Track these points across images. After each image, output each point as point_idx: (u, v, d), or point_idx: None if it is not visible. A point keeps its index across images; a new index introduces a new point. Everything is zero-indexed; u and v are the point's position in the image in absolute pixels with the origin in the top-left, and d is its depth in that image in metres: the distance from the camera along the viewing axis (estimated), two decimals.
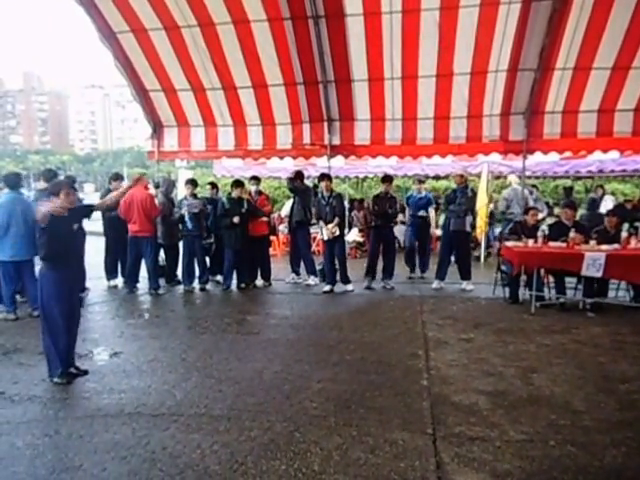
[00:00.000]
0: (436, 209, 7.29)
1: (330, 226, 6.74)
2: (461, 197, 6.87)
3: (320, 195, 7.01)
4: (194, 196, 7.03)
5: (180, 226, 7.00)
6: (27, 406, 3.31)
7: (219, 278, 7.40)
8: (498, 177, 9.96)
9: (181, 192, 8.71)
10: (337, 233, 6.80)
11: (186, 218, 6.84)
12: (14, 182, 5.55)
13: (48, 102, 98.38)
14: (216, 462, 2.60)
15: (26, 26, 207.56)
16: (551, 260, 5.74)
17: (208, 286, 7.14)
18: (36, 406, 3.31)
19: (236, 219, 6.76)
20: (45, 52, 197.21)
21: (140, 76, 7.38)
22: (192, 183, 7.13)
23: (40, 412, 3.22)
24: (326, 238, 6.83)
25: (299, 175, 7.34)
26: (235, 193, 6.97)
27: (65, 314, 3.66)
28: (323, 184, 6.92)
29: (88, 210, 4.12)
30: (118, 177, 7.47)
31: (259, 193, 7.36)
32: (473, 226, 8.18)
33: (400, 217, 7.53)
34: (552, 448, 2.75)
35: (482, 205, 8.99)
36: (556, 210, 10.16)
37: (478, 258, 9.37)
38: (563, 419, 3.09)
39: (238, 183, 7.19)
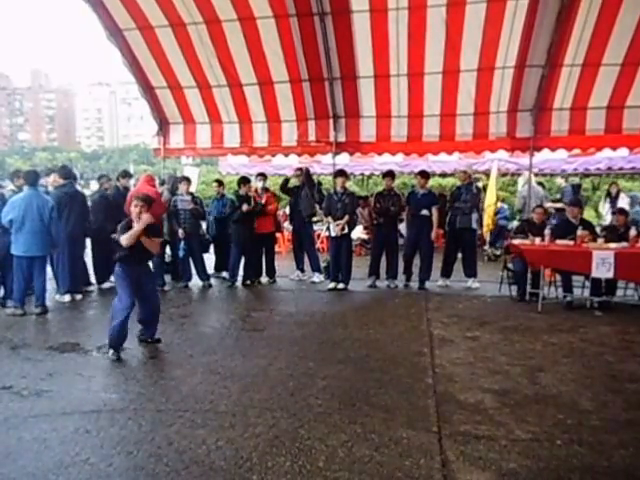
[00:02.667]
0: (440, 208, 6.92)
1: (340, 222, 6.70)
2: (466, 194, 6.83)
3: (333, 191, 6.97)
4: (191, 195, 7.03)
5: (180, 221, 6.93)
6: (34, 400, 3.33)
7: (225, 274, 7.42)
8: (505, 174, 9.90)
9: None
10: (346, 231, 6.78)
11: (182, 216, 6.82)
12: (33, 179, 5.62)
13: (55, 99, 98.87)
14: (221, 458, 2.61)
15: (34, 24, 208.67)
16: (559, 258, 5.69)
17: (213, 282, 7.15)
18: (43, 400, 3.33)
19: (245, 207, 6.80)
20: (52, 50, 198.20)
21: (146, 73, 7.40)
22: (187, 180, 7.15)
23: (47, 406, 3.24)
24: (334, 235, 6.80)
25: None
26: (243, 190, 7.01)
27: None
28: (339, 180, 6.85)
29: None
30: (127, 175, 7.52)
31: (265, 190, 7.37)
32: (480, 224, 8.10)
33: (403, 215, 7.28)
34: (559, 447, 2.73)
35: (490, 203, 8.93)
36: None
37: (490, 257, 9.23)
38: (570, 418, 3.06)
39: (245, 180, 7.22)
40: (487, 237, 9.45)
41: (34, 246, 5.41)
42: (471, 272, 6.93)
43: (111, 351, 4.10)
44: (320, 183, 8.69)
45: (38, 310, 5.49)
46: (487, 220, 9.06)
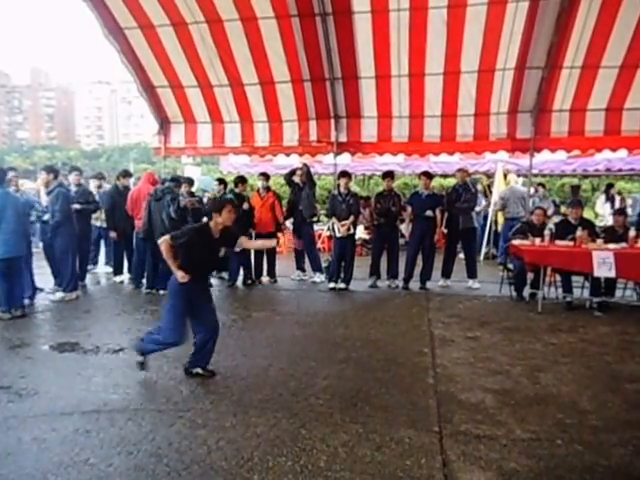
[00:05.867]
0: (442, 210, 6.91)
1: (346, 223, 6.70)
2: (465, 194, 6.85)
3: (337, 192, 6.99)
4: (191, 194, 7.03)
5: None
6: (34, 400, 3.32)
7: (224, 275, 7.42)
8: (505, 175, 9.95)
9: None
10: (351, 231, 6.79)
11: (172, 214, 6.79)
12: (1, 178, 5.41)
13: (55, 98, 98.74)
14: (222, 458, 2.61)
15: (34, 22, 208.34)
16: (559, 259, 5.71)
17: (213, 282, 7.15)
18: (42, 401, 3.32)
19: (245, 205, 6.82)
20: (52, 48, 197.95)
21: (147, 72, 7.40)
22: (189, 181, 7.17)
23: (47, 406, 3.23)
24: (339, 235, 6.81)
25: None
26: (239, 189, 7.03)
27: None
28: (343, 181, 6.86)
29: (236, 239, 3.77)
30: (127, 174, 7.52)
31: (267, 189, 7.38)
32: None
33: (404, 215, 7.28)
34: (559, 447, 2.74)
35: (498, 210, 9.04)
36: (563, 209, 10.11)
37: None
38: (570, 418, 3.07)
39: (242, 179, 7.23)
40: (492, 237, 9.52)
41: (14, 246, 5.24)
42: (472, 273, 6.94)
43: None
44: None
45: (19, 313, 5.30)
46: (497, 219, 9.14)
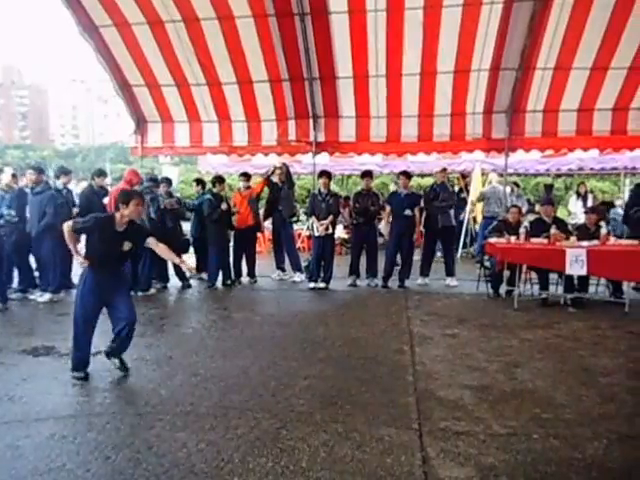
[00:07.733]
0: (421, 209, 6.97)
1: (324, 222, 6.71)
2: (444, 193, 6.94)
3: (317, 191, 6.99)
4: (169, 194, 6.94)
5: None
6: (8, 406, 3.22)
7: (204, 275, 7.34)
8: (483, 174, 10.14)
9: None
10: (330, 231, 6.80)
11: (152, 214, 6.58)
12: None
13: (28, 96, 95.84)
14: (202, 460, 2.58)
15: (6, 19, 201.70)
16: (533, 256, 5.84)
17: (193, 283, 7.07)
18: (16, 406, 3.22)
19: (224, 205, 6.78)
20: (26, 46, 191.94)
21: (123, 71, 7.28)
22: (167, 181, 7.09)
23: (21, 412, 3.14)
24: (317, 234, 6.82)
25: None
26: (218, 189, 6.99)
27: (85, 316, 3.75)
28: (322, 181, 6.87)
29: (145, 237, 3.77)
30: (102, 173, 7.35)
31: (248, 189, 7.33)
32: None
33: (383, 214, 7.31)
34: (535, 441, 2.79)
35: (478, 202, 9.21)
36: (537, 207, 10.36)
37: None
38: (546, 413, 3.14)
39: (219, 179, 7.18)
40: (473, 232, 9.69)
41: None
42: (450, 271, 7.04)
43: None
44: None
45: None
46: (477, 216, 9.30)
